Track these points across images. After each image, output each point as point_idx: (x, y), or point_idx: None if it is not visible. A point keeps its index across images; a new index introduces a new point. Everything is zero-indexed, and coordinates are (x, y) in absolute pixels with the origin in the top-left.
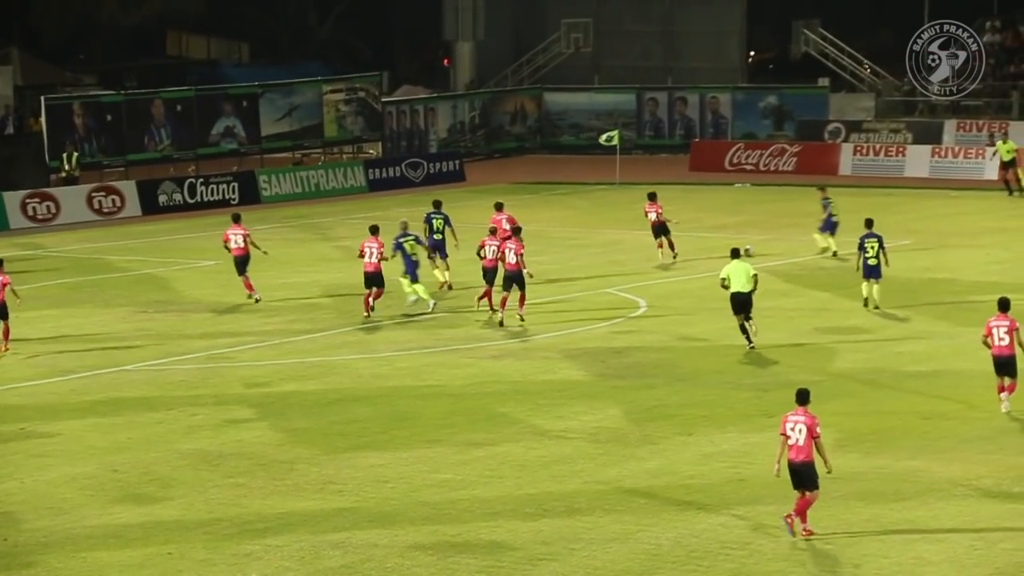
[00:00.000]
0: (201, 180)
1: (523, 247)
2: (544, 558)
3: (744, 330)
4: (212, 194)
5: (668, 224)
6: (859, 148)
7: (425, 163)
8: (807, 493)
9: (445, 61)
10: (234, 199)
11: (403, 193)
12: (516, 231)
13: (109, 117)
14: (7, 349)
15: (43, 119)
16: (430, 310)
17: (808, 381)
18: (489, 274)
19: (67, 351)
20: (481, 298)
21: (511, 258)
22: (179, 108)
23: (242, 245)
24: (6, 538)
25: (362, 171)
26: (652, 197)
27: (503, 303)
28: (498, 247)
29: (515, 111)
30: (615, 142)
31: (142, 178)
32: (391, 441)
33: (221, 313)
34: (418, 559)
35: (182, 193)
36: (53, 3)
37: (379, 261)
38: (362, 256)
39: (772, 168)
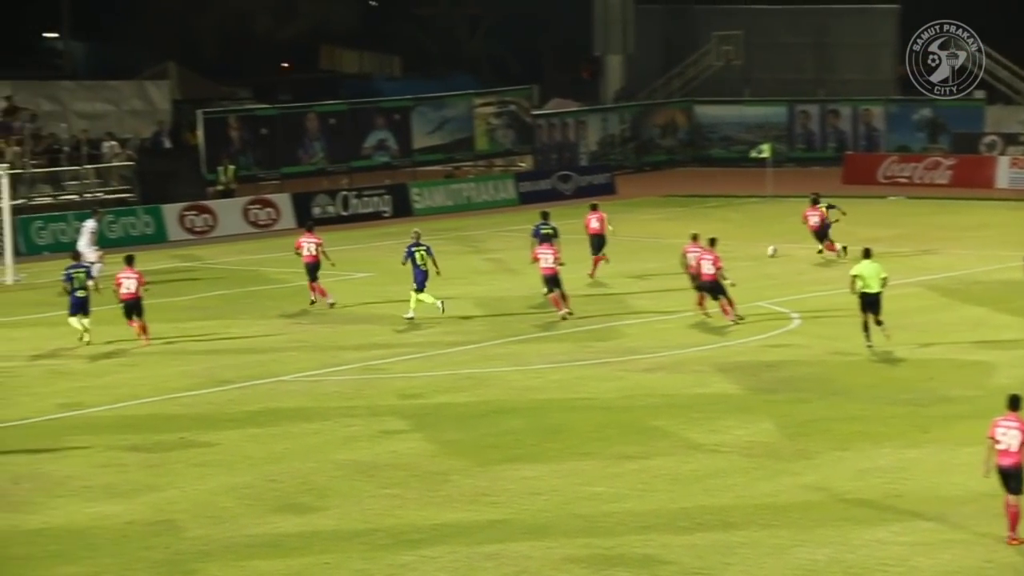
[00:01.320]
0: (354, 193)
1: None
2: (698, 572)
3: (866, 328)
4: (365, 206)
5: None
6: (1017, 161)
7: (576, 176)
8: (1010, 499)
9: (585, 73)
10: (386, 212)
11: (554, 206)
12: (712, 242)
13: (264, 130)
14: (147, 343)
15: (200, 132)
16: (441, 310)
17: (965, 396)
18: (697, 280)
19: (225, 362)
20: (699, 303)
21: (708, 268)
22: (332, 121)
23: (313, 253)
24: (168, 546)
25: (513, 184)
26: (815, 201)
27: (701, 301)
28: (697, 256)
29: (666, 124)
30: (766, 155)
31: (296, 191)
32: (543, 453)
33: (374, 325)
34: (572, 572)
35: (335, 205)
36: (210, 18)
37: (555, 264)
38: (536, 261)
39: (927, 181)
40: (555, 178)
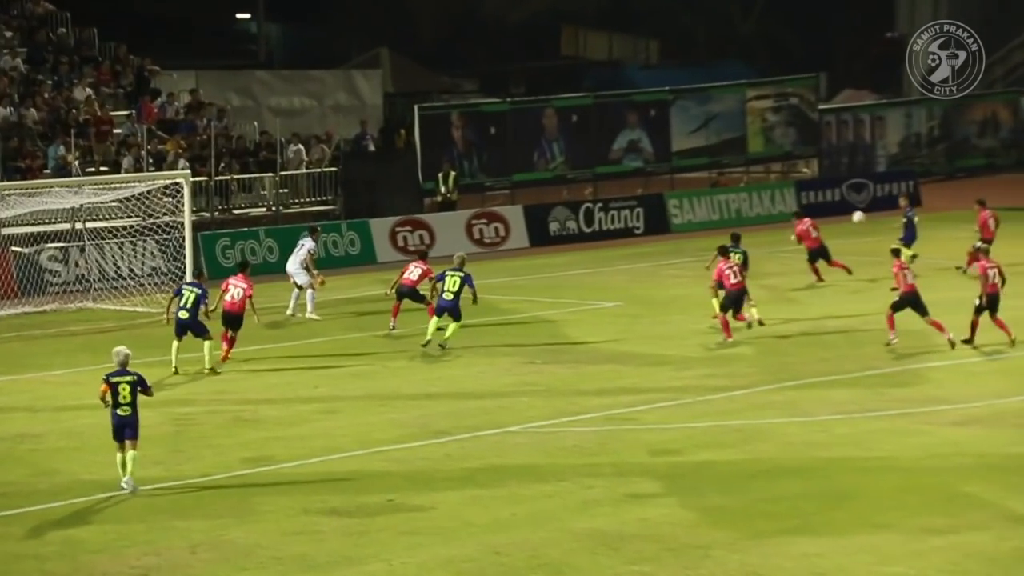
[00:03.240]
0: (600, 205)
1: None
2: None
3: None
4: (612, 222)
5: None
6: None
7: (871, 184)
8: None
9: (874, 49)
10: (638, 228)
11: (843, 220)
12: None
13: (492, 129)
14: (225, 359)
15: (416, 132)
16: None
17: None
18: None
19: (441, 409)
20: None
21: (995, 278)
22: (574, 118)
23: (415, 279)
24: None
25: (793, 194)
26: (982, 203)
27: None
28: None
29: (984, 120)
30: None
31: (530, 202)
32: (828, 524)
33: (622, 365)
34: None
35: (577, 221)
36: None
37: (738, 282)
38: (721, 279)
39: None
40: (845, 187)
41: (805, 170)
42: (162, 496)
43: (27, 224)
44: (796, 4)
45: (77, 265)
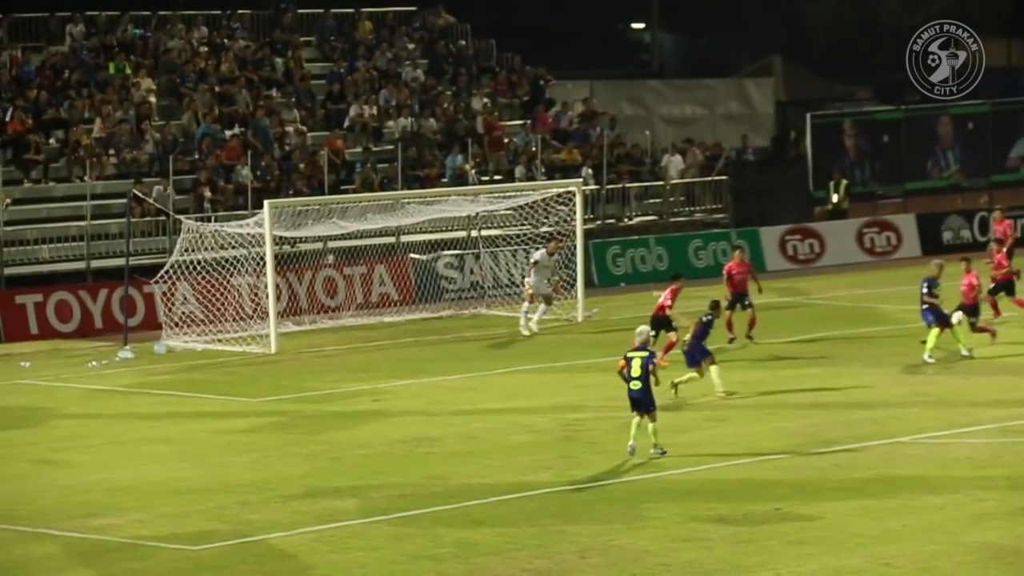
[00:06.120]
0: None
1: None
2: None
3: None
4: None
5: None
6: None
7: None
8: None
9: None
10: None
11: None
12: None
13: (886, 138)
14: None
15: (808, 140)
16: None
17: None
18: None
19: (830, 418)
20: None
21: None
22: (970, 126)
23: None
24: None
25: None
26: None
27: None
28: None
29: None
30: None
31: (923, 211)
32: None
33: (1017, 376)
34: None
35: (970, 229)
36: (826, 3)
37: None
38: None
39: None
40: None
41: None
42: (552, 500)
43: (425, 232)
44: None
45: (472, 272)
